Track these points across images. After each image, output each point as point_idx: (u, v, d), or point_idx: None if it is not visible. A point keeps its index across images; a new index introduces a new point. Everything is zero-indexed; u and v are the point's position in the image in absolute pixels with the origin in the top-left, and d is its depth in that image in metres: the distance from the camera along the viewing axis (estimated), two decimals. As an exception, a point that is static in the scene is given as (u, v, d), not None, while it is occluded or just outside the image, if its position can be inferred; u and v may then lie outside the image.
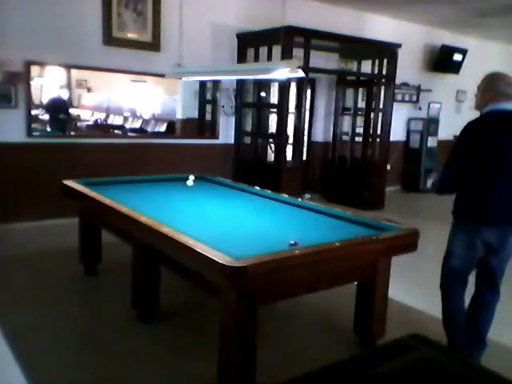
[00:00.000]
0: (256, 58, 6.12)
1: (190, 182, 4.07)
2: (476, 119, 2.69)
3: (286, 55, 5.46)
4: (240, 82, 6.38)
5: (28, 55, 4.97)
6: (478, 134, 2.59)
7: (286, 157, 6.29)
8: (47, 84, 9.56)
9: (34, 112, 6.28)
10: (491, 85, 2.70)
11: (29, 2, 4.93)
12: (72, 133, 8.59)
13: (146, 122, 10.11)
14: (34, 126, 5.76)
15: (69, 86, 10.27)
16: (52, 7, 5.05)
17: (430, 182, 3.19)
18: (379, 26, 7.63)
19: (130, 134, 9.30)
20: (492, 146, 2.54)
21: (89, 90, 10.96)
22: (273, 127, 6.63)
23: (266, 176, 6.01)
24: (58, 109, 8.42)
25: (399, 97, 8.26)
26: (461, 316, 2.90)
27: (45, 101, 9.34)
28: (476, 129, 2.63)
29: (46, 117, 8.94)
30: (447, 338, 2.88)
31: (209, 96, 6.78)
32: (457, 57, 8.74)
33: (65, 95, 9.31)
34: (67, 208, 4.22)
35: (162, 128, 9.26)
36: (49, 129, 8.34)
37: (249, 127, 6.68)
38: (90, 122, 10.31)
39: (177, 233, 2.46)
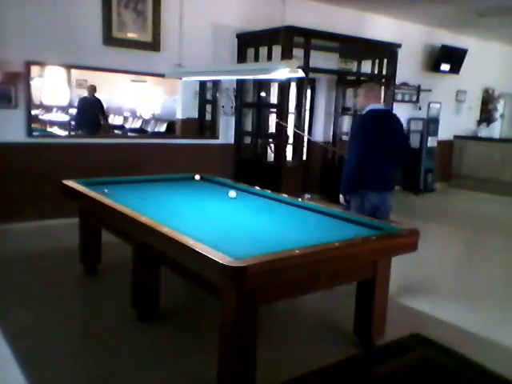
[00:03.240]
0: (256, 58, 6.11)
1: (232, 194, 3.64)
2: (365, 114, 3.78)
3: (286, 55, 5.46)
4: (240, 82, 6.38)
5: (28, 55, 4.97)
6: (367, 124, 3.68)
7: (286, 157, 6.29)
8: (47, 84, 9.54)
9: (33, 112, 6.26)
10: (369, 92, 3.82)
11: (29, 2, 4.93)
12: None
13: (145, 121, 10.11)
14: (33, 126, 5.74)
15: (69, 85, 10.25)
16: (52, 7, 5.05)
17: (341, 197, 3.77)
18: (379, 26, 7.63)
19: (129, 133, 9.30)
20: (374, 133, 3.62)
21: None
22: (273, 127, 6.63)
23: (266, 176, 6.01)
24: (92, 110, 8.05)
25: (399, 97, 8.26)
26: None
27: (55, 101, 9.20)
28: (366, 121, 3.73)
29: (48, 117, 8.93)
30: None
31: (209, 96, 6.77)
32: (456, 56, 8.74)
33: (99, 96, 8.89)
34: (67, 208, 4.22)
35: (162, 128, 9.26)
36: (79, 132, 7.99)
37: (249, 127, 6.68)
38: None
39: (177, 233, 2.46)
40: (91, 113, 8.07)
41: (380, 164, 3.64)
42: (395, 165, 3.85)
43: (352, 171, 3.61)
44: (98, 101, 8.29)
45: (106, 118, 8.72)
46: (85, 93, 8.41)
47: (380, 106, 3.94)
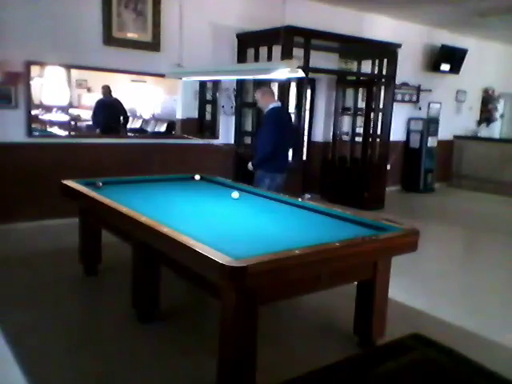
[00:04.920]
0: (256, 58, 6.11)
1: (235, 195, 3.67)
2: (270, 111, 4.58)
3: (286, 55, 5.46)
4: (240, 82, 6.38)
5: (28, 55, 4.97)
6: (274, 119, 4.54)
7: (285, 157, 6.30)
8: (47, 84, 9.52)
9: (33, 112, 6.26)
10: (265, 94, 4.66)
11: (29, 2, 4.93)
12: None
13: (146, 121, 10.10)
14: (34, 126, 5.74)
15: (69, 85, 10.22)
16: (52, 7, 5.05)
17: (250, 165, 4.72)
18: (379, 26, 7.63)
19: (129, 133, 9.29)
20: (279, 125, 4.51)
21: (89, 90, 10.94)
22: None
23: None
24: (110, 111, 7.67)
25: (399, 97, 8.26)
26: None
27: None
28: (274, 116, 4.55)
29: (48, 117, 8.91)
30: None
31: (209, 96, 6.77)
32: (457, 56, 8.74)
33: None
34: (67, 208, 4.21)
35: (162, 128, 9.25)
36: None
37: (249, 127, 6.68)
38: (91, 122, 10.28)
39: (177, 233, 2.46)
40: (109, 115, 7.69)
41: (283, 151, 4.67)
42: (289, 150, 4.97)
43: (267, 155, 4.48)
44: (118, 102, 7.93)
45: (127, 119, 8.31)
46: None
47: (278, 104, 4.74)
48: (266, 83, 5.55)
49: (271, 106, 4.60)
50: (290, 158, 5.06)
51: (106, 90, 7.81)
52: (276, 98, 5.03)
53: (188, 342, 2.92)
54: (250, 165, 4.71)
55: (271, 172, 4.58)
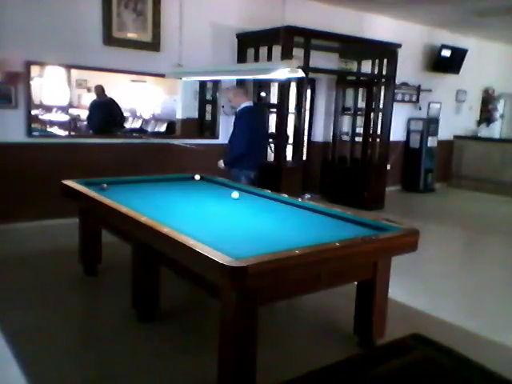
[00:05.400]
0: (256, 58, 6.11)
1: (235, 195, 3.66)
2: (243, 110, 4.70)
3: (286, 55, 5.46)
4: (240, 82, 6.37)
5: (28, 55, 4.97)
6: (247, 117, 4.65)
7: (286, 157, 6.29)
8: (47, 84, 9.52)
9: (33, 112, 6.26)
10: (237, 94, 4.77)
11: (29, 2, 4.93)
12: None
13: (146, 121, 10.10)
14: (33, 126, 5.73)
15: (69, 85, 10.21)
16: (52, 7, 5.05)
17: (221, 163, 4.84)
18: (379, 26, 7.63)
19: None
20: (252, 124, 4.65)
21: (89, 90, 10.93)
22: (273, 127, 6.62)
23: (266, 176, 6.00)
24: (104, 112, 7.40)
25: (399, 97, 8.26)
26: None
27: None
28: (246, 115, 4.66)
29: (48, 117, 8.91)
30: None
31: (209, 96, 6.77)
32: (456, 56, 8.74)
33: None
34: (67, 208, 4.21)
35: (162, 128, 9.25)
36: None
37: (249, 127, 6.67)
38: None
39: (177, 233, 2.45)
40: (104, 116, 7.46)
41: (257, 149, 4.81)
42: (264, 147, 5.22)
43: (240, 155, 4.60)
44: (113, 102, 7.67)
45: (123, 119, 8.05)
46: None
47: (250, 103, 4.89)
48: (240, 85, 5.59)
49: (243, 105, 4.72)
50: (264, 155, 5.41)
51: (99, 90, 7.58)
52: (248, 97, 5.21)
53: (188, 342, 2.92)
54: (220, 162, 4.82)
55: (246, 169, 4.74)
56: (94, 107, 7.75)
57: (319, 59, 6.36)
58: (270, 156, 6.66)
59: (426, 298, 3.77)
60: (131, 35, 5.55)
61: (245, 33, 6.19)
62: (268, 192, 3.84)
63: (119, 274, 3.83)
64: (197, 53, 5.74)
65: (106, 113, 7.56)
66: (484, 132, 10.25)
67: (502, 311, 3.71)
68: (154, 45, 5.68)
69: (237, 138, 4.68)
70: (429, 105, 8.92)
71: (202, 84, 6.67)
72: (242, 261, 2.06)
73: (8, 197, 5.07)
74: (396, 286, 3.07)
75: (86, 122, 8.34)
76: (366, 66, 7.18)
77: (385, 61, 6.85)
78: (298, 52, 5.78)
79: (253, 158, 4.74)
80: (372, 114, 7.20)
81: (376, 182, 7.06)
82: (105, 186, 3.65)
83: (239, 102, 4.76)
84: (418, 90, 8.66)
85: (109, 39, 5.39)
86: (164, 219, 2.72)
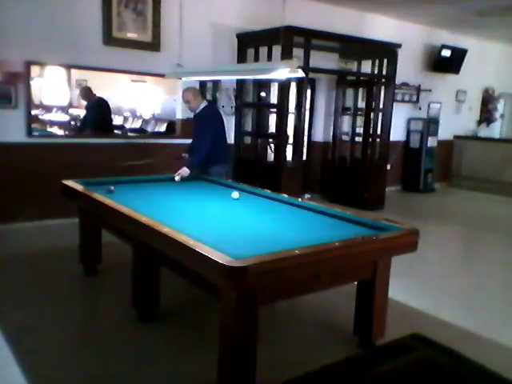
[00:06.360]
0: (256, 58, 6.11)
1: (235, 195, 3.67)
2: (203, 112, 4.67)
3: (286, 55, 5.46)
4: (240, 82, 6.38)
5: (28, 55, 4.97)
6: (209, 118, 4.67)
7: (286, 157, 6.29)
8: (47, 84, 9.52)
9: (33, 112, 6.26)
10: (195, 95, 4.67)
11: (29, 2, 4.93)
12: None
13: (146, 121, 10.10)
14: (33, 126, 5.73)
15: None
16: (52, 7, 5.05)
17: (178, 177, 4.31)
18: (379, 26, 7.63)
19: (129, 133, 9.29)
20: (214, 123, 4.69)
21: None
22: (273, 127, 6.63)
23: (266, 176, 6.01)
24: (99, 111, 6.92)
25: (399, 97, 8.26)
26: None
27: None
28: (208, 115, 4.68)
29: (48, 117, 8.92)
30: None
31: (209, 96, 6.76)
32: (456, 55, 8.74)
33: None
34: (67, 208, 4.22)
35: (162, 128, 9.25)
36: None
37: (249, 127, 6.68)
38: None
39: (177, 233, 2.46)
40: (95, 116, 6.98)
41: (223, 145, 4.82)
42: (226, 144, 5.09)
43: (204, 158, 4.51)
44: (104, 101, 7.13)
45: (111, 121, 7.70)
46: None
47: (206, 103, 4.83)
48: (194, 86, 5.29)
49: (202, 105, 4.67)
50: (230, 151, 5.47)
51: (85, 92, 7.06)
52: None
53: (188, 342, 2.92)
54: (185, 169, 4.34)
55: (223, 164, 4.81)
56: (87, 109, 7.36)
57: (319, 59, 6.36)
58: (270, 156, 6.68)
59: (426, 298, 3.77)
60: (131, 35, 5.55)
61: (245, 33, 6.19)
62: (268, 192, 3.84)
63: (119, 274, 3.83)
64: (197, 53, 5.73)
65: (98, 112, 7.03)
66: (484, 132, 10.25)
67: (502, 311, 3.71)
68: (153, 45, 5.68)
69: (203, 140, 4.54)
70: (429, 105, 8.92)
71: (202, 84, 6.66)
72: (242, 261, 2.06)
73: (8, 197, 5.07)
74: (396, 286, 3.07)
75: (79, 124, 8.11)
76: (366, 66, 7.18)
77: (385, 61, 6.86)
78: (298, 52, 5.78)
79: (223, 153, 4.77)
80: (372, 114, 7.19)
81: (376, 182, 7.06)
82: (112, 188, 3.58)
83: (197, 103, 4.65)
84: (418, 90, 8.66)
85: (109, 39, 5.39)
86: (164, 219, 2.72)
